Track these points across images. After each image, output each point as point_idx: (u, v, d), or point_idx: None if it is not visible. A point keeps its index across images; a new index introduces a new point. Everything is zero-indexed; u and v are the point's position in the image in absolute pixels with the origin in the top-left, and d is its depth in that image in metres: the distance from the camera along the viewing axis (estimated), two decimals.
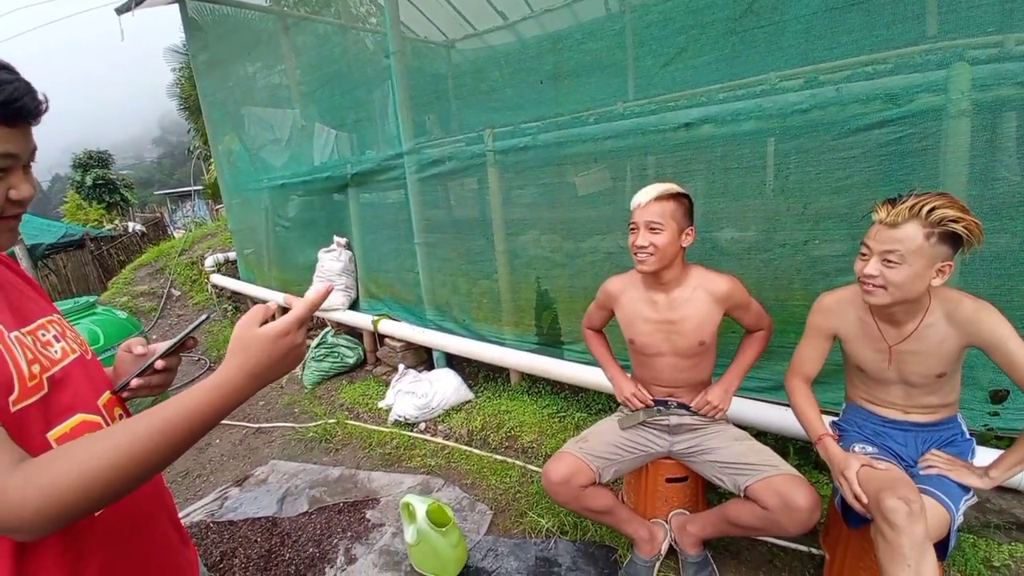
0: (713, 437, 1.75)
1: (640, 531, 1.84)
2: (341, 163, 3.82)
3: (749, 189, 2.22)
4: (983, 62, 1.70)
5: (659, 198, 1.62)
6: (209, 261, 6.58)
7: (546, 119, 2.69)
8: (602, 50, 2.51)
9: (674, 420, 1.82)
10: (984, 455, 1.51)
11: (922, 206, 1.21)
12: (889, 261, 1.26)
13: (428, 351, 3.60)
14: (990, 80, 1.69)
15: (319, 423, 3.21)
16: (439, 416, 3.06)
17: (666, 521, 1.90)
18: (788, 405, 2.14)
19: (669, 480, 1.91)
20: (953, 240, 1.22)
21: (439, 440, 2.86)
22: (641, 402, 1.82)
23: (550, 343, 2.92)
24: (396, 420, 3.08)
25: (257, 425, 3.36)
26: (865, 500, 1.29)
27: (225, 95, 5.25)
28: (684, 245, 1.68)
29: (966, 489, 1.33)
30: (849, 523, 1.47)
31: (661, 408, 1.83)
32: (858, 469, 1.34)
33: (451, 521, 1.95)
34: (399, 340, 3.63)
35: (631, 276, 1.84)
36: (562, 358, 2.83)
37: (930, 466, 1.38)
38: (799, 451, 2.20)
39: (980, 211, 1.70)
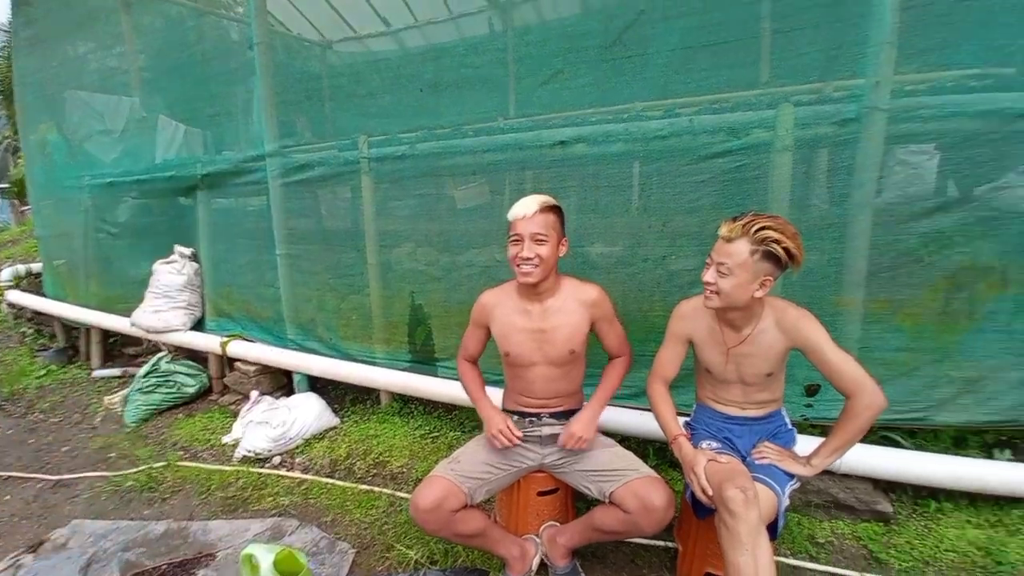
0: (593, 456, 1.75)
1: (512, 550, 1.79)
2: (190, 162, 3.38)
3: (617, 207, 2.34)
4: (805, 104, 1.98)
5: (542, 209, 1.64)
6: (6, 274, 5.41)
7: (425, 129, 2.63)
8: (484, 65, 2.53)
9: (546, 431, 1.80)
10: (804, 443, 1.70)
11: (752, 226, 1.37)
12: (721, 272, 1.43)
13: (288, 374, 3.26)
14: (810, 120, 1.96)
15: (141, 469, 2.68)
16: (297, 447, 2.76)
17: (537, 535, 1.87)
18: (648, 410, 2.29)
19: (540, 493, 1.89)
20: (775, 259, 1.38)
21: (295, 474, 2.56)
22: (508, 440, 1.72)
23: (424, 360, 2.79)
24: (244, 456, 2.70)
25: (57, 477, 2.70)
26: (711, 493, 1.41)
27: (46, 76, 4.42)
28: (560, 255, 1.71)
29: (790, 475, 1.49)
30: (698, 515, 1.60)
31: (534, 420, 1.81)
32: (705, 464, 1.46)
33: (304, 569, 1.72)
34: (253, 363, 3.24)
35: (505, 289, 1.83)
36: (436, 375, 2.73)
37: (763, 456, 1.53)
38: (657, 452, 2.32)
39: None
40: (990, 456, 1.90)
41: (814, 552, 1.81)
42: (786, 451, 1.55)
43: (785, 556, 1.81)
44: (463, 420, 2.73)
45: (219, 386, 3.54)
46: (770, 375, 1.54)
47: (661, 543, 1.92)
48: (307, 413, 2.83)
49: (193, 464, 2.72)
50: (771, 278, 1.41)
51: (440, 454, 2.49)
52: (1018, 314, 1.84)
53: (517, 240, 1.65)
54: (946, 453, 1.92)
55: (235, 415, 3.10)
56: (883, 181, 1.93)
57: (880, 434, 2.01)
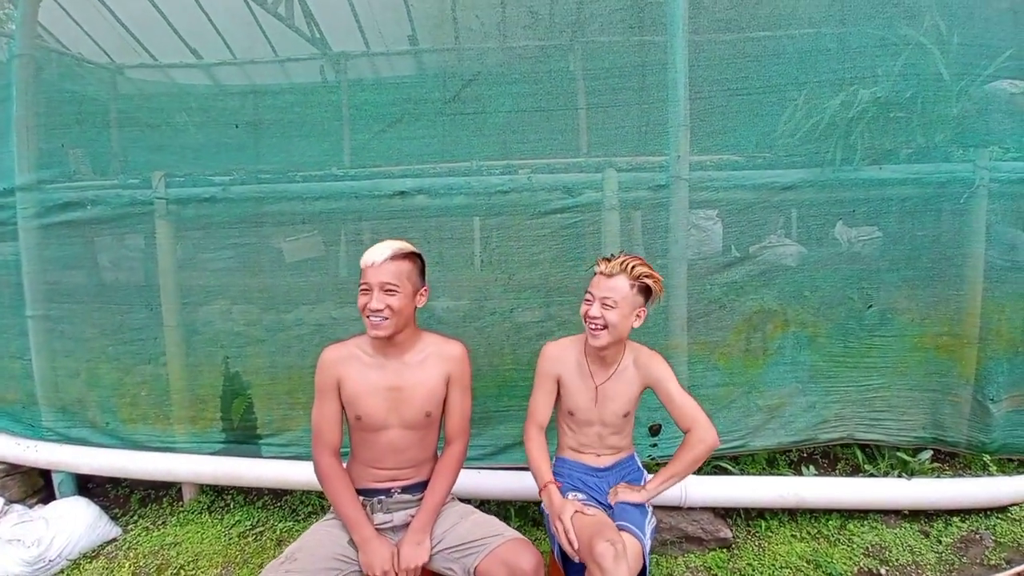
0: (438, 523, 1.57)
1: None
2: None
3: (461, 260, 2.31)
4: (626, 170, 2.20)
5: (395, 257, 1.50)
6: None
7: (243, 171, 2.32)
8: (314, 108, 2.36)
9: (399, 519, 1.57)
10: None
11: (628, 264, 1.54)
12: (607, 305, 1.53)
13: (46, 475, 2.47)
14: (631, 184, 2.19)
15: None
16: (63, 570, 2.06)
17: None
18: (507, 468, 2.22)
19: None
20: (646, 292, 1.56)
21: None
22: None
23: (243, 439, 2.34)
24: None
25: None
26: (576, 544, 1.41)
27: None
28: (418, 306, 1.58)
29: (643, 512, 1.54)
30: (567, 573, 1.54)
31: (383, 498, 1.57)
32: (572, 514, 1.46)
33: None
34: None
35: (354, 342, 1.62)
36: (259, 455, 2.30)
37: (615, 493, 1.57)
38: (519, 512, 2.23)
39: None
40: (799, 473, 2.20)
41: None
42: (622, 484, 1.61)
43: None
44: (295, 506, 2.32)
45: None
46: (626, 416, 1.63)
47: None
48: (73, 525, 2.15)
49: None
50: (644, 310, 1.57)
51: (268, 554, 2.05)
52: (798, 348, 2.22)
53: (366, 290, 1.49)
54: (763, 474, 2.18)
55: None
56: (690, 240, 2.22)
57: (712, 464, 2.21)
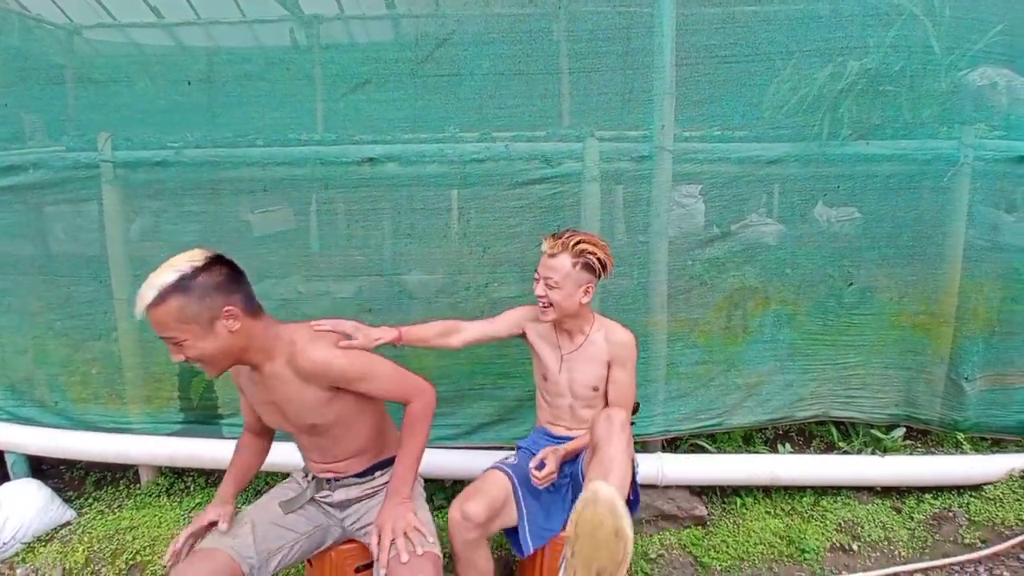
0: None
1: None
2: None
3: (435, 232, 2.21)
4: (608, 140, 2.10)
5: (154, 304, 1.16)
6: None
7: (198, 135, 2.15)
8: (278, 68, 2.19)
9: (339, 496, 1.49)
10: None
11: (570, 241, 1.52)
12: (549, 285, 1.53)
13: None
14: (613, 155, 2.09)
15: None
16: (18, 553, 1.97)
17: None
18: (483, 448, 2.17)
19: (359, 569, 1.55)
20: (592, 268, 1.54)
21: None
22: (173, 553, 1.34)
23: (203, 419, 2.23)
24: None
25: None
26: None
27: None
28: (231, 330, 1.23)
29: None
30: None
31: (331, 481, 1.49)
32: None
33: None
34: None
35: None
36: (221, 436, 2.19)
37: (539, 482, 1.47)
38: None
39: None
40: (775, 450, 2.20)
41: (648, 569, 1.85)
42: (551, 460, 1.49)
43: None
44: (260, 488, 2.23)
45: None
46: (596, 390, 1.62)
47: None
48: (24, 508, 2.05)
49: None
50: (592, 285, 1.57)
51: None
52: (778, 327, 2.18)
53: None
54: (739, 452, 2.17)
55: None
56: (671, 217, 2.14)
57: (689, 442, 2.19)
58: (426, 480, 2.19)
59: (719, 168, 2.15)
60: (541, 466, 1.46)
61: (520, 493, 1.51)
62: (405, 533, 1.28)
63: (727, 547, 1.90)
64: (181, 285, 1.16)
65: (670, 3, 2.00)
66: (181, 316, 1.16)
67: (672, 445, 2.22)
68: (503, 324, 1.71)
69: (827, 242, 2.21)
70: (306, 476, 1.53)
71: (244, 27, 3.23)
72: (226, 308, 1.21)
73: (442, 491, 2.20)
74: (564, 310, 1.55)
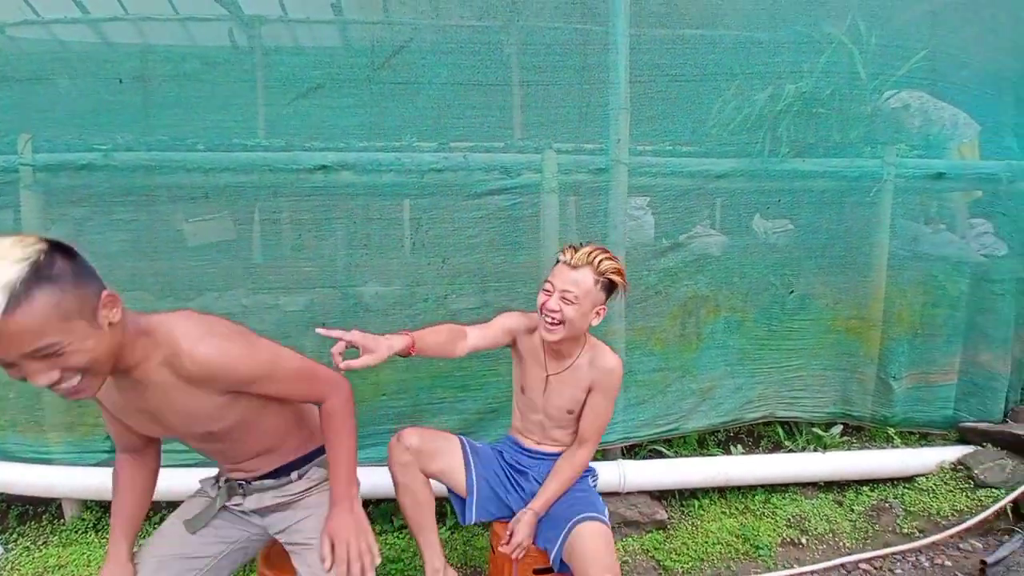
0: (308, 518, 1.30)
1: None
2: None
3: (391, 243, 2.16)
4: (566, 152, 2.13)
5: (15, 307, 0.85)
6: None
7: (129, 137, 1.99)
8: (216, 67, 2.07)
9: (250, 503, 1.31)
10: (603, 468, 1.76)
11: (596, 256, 1.42)
12: (567, 299, 1.41)
13: None
14: (571, 167, 2.12)
15: None
16: None
17: None
18: None
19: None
20: (609, 288, 1.46)
21: None
22: None
23: None
24: None
25: None
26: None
27: None
28: (113, 321, 0.95)
29: (590, 493, 1.58)
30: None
31: (243, 484, 1.31)
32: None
33: None
34: None
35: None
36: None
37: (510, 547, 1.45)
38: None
39: None
40: (728, 452, 2.28)
41: None
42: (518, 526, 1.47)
43: None
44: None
45: None
46: (570, 412, 1.56)
47: None
48: None
49: None
50: (604, 308, 1.47)
51: None
52: (728, 333, 2.28)
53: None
54: (695, 455, 2.24)
55: None
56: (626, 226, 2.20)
57: (648, 448, 2.23)
58: (383, 500, 2.12)
59: (671, 181, 2.23)
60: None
61: (472, 464, 1.53)
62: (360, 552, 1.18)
63: (687, 549, 1.95)
64: (43, 275, 0.86)
65: (623, 23, 2.06)
66: (59, 313, 0.87)
67: (631, 452, 2.26)
68: (498, 332, 1.56)
69: (770, 252, 2.35)
70: (216, 482, 1.35)
71: (178, 25, 3.03)
72: (105, 293, 0.94)
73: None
74: (575, 329, 1.43)
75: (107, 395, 1.12)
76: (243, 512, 1.32)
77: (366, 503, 2.08)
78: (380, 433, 2.12)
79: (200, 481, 1.40)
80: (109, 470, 1.96)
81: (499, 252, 2.17)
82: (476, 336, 1.53)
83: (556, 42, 2.17)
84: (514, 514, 1.52)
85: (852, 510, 2.12)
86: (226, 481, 1.32)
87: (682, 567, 1.89)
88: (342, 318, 2.09)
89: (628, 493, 2.05)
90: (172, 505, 2.16)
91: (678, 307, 2.25)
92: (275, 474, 1.31)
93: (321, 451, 1.36)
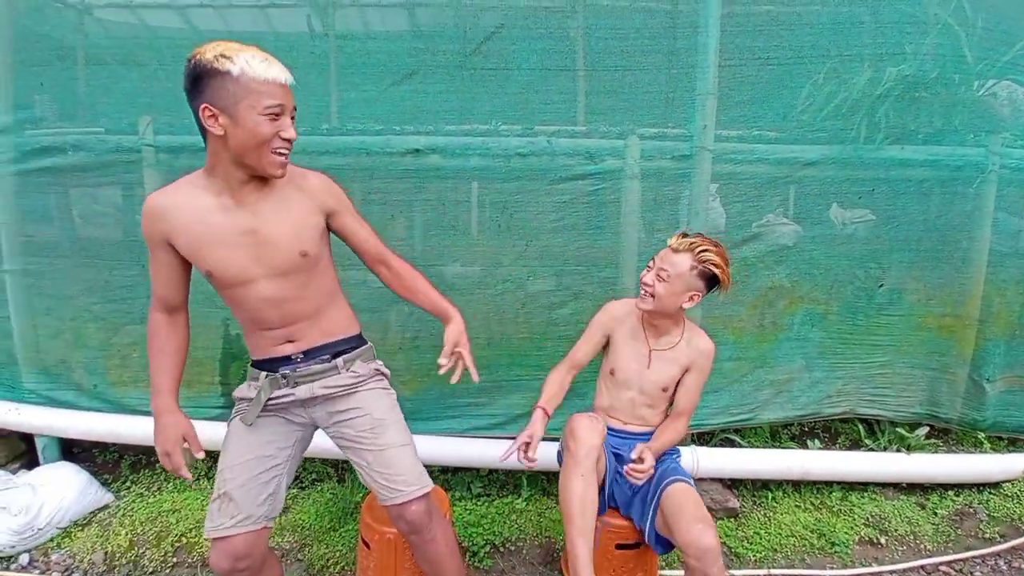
0: (362, 398, 1.39)
1: None
2: None
3: (475, 224, 2.23)
4: (649, 139, 2.13)
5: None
6: None
7: None
8: (297, 54, 2.18)
9: (301, 392, 1.35)
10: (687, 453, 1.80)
11: (697, 246, 1.51)
12: (660, 276, 1.53)
13: (28, 439, 2.33)
14: (654, 153, 2.12)
15: None
16: (53, 539, 1.97)
17: None
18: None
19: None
20: (708, 279, 1.54)
21: None
22: (177, 472, 1.34)
23: None
24: None
25: None
26: (534, 457, 1.52)
27: None
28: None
29: (679, 458, 1.71)
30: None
31: (287, 373, 1.34)
32: (537, 432, 1.54)
33: None
34: None
35: (186, 186, 1.28)
36: None
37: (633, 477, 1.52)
38: (530, 481, 2.23)
39: (644, 256, 2.08)
40: (804, 446, 2.26)
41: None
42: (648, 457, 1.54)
43: (663, 569, 1.86)
44: (299, 473, 2.26)
45: None
46: (665, 390, 1.64)
47: None
48: (63, 492, 2.04)
49: None
50: (700, 294, 1.55)
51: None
52: (808, 325, 2.24)
53: (276, 114, 1.16)
54: (767, 446, 2.24)
55: None
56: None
57: (721, 436, 2.25)
58: (461, 469, 2.25)
59: (755, 169, 2.19)
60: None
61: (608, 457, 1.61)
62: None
63: (760, 539, 1.96)
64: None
65: (716, 2, 2.02)
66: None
67: (701, 439, 2.28)
68: (595, 335, 1.71)
69: (856, 244, 2.27)
70: (255, 380, 1.38)
71: (259, 12, 3.18)
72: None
73: (479, 480, 2.24)
74: (664, 306, 1.54)
75: (202, 226, 1.23)
76: (292, 403, 1.36)
77: (444, 471, 2.24)
78: (459, 406, 2.23)
79: (237, 394, 1.43)
80: (222, 424, 2.17)
81: (580, 237, 2.20)
82: (581, 354, 1.70)
83: (645, 26, 2.14)
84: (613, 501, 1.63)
85: (935, 513, 2.07)
86: (266, 376, 1.35)
87: (754, 555, 1.91)
88: None
89: (700, 479, 2.07)
90: (137, 450, 2.37)
91: (757, 297, 2.23)
92: (315, 355, 1.36)
93: (361, 343, 1.46)
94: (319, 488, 2.22)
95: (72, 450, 2.40)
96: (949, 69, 2.18)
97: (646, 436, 1.66)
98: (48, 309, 2.27)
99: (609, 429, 1.66)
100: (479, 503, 2.13)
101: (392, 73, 2.15)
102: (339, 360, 1.38)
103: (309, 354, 1.36)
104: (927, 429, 2.28)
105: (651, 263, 1.59)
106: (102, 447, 2.41)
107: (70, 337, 2.28)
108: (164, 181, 2.14)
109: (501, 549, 1.96)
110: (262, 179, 1.25)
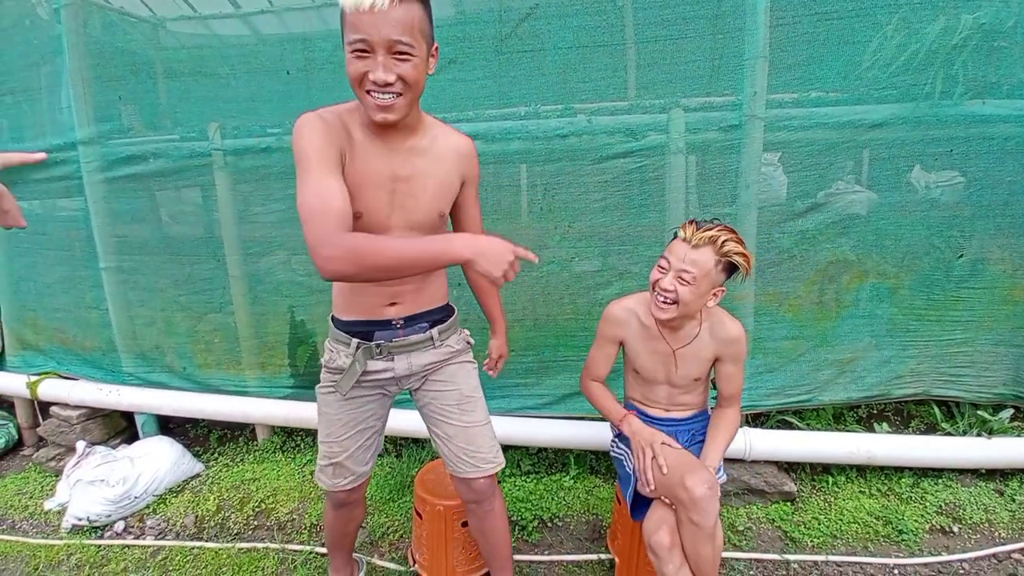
0: (453, 372, 1.41)
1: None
2: None
3: (519, 208, 2.25)
4: (694, 110, 2.05)
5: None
6: None
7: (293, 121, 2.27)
8: None
9: (400, 368, 1.35)
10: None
11: (719, 237, 1.35)
12: (683, 279, 1.37)
13: (128, 417, 2.65)
14: (700, 125, 2.04)
15: None
16: (149, 506, 2.24)
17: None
18: (567, 418, 2.24)
19: (465, 524, 1.68)
20: (730, 270, 1.40)
21: (147, 542, 2.06)
22: None
23: (309, 385, 2.41)
24: (75, 525, 2.12)
25: None
26: (666, 469, 1.39)
27: None
28: (430, 72, 1.15)
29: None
30: (633, 516, 1.53)
31: (383, 341, 1.32)
32: (661, 442, 1.45)
33: None
34: (77, 407, 2.58)
35: (345, 110, 1.22)
36: None
37: None
38: (577, 460, 2.27)
39: None
40: (871, 430, 2.14)
41: (736, 540, 1.88)
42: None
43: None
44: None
45: (32, 438, 2.79)
46: (697, 380, 1.57)
47: (595, 556, 1.86)
48: (158, 462, 2.30)
49: (10, 538, 2.09)
50: (722, 289, 1.42)
51: None
52: (875, 301, 2.09)
53: (364, 52, 1.05)
54: (829, 430, 2.13)
55: (58, 473, 2.44)
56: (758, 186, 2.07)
57: (777, 418, 2.17)
58: (510, 447, 2.32)
59: (814, 135, 2.05)
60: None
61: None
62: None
63: (818, 524, 1.89)
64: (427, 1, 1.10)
65: None
66: (422, 27, 1.08)
67: (756, 420, 2.21)
68: (607, 348, 1.62)
69: (933, 210, 2.08)
70: (345, 346, 1.34)
71: (314, 13, 3.32)
72: (435, 46, 1.15)
73: (528, 458, 2.30)
74: (689, 311, 1.40)
75: (373, 162, 1.19)
76: (390, 380, 1.37)
77: None
78: (508, 387, 2.29)
79: (328, 364, 1.39)
80: (293, 403, 2.34)
81: (624, 215, 2.17)
82: (599, 367, 1.64)
83: None
84: None
85: (1013, 500, 1.91)
86: (358, 347, 1.32)
87: (812, 541, 1.84)
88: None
89: (753, 461, 2.02)
90: (223, 425, 2.62)
91: (816, 272, 2.10)
92: (414, 322, 1.34)
93: (451, 312, 1.45)
94: (379, 462, 2.36)
95: (168, 426, 2.70)
96: None
97: (692, 419, 1.63)
98: (142, 301, 2.54)
99: (650, 418, 1.60)
100: (528, 480, 2.20)
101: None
102: (434, 331, 1.37)
103: (409, 321, 1.34)
104: (1012, 411, 2.08)
105: (663, 264, 1.41)
106: (194, 423, 2.69)
107: (162, 325, 2.55)
108: (232, 183, 2.35)
109: (549, 524, 2.01)
110: (412, 128, 1.21)
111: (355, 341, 1.31)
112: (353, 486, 1.44)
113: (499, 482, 2.08)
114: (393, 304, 1.31)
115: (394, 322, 1.32)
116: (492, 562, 1.56)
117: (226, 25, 3.22)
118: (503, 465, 1.45)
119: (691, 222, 1.40)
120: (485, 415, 1.46)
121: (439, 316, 1.41)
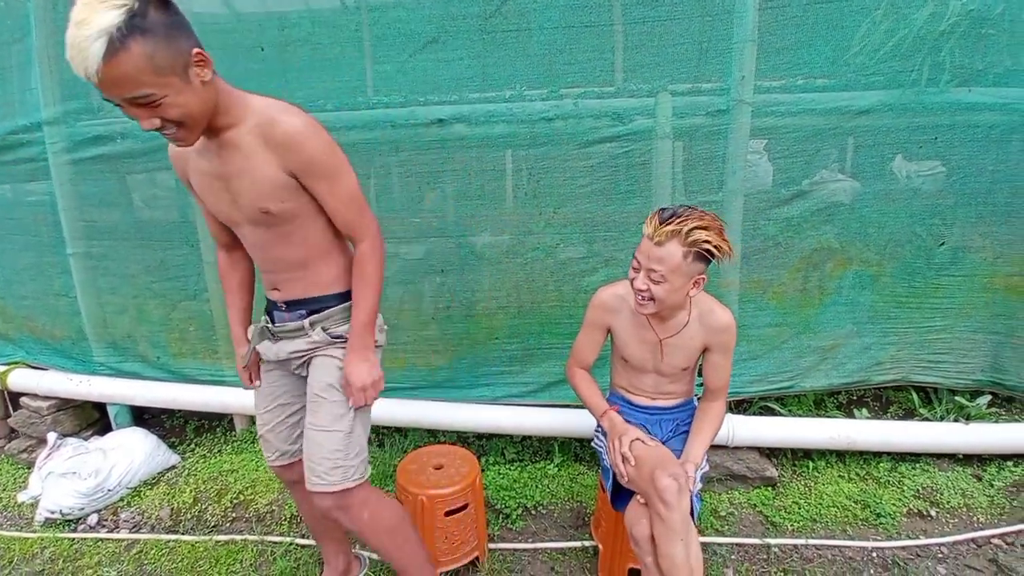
0: (317, 367, 1.33)
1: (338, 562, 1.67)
2: None
3: (503, 193, 2.21)
4: (682, 95, 2.02)
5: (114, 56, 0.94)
6: None
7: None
8: (335, 30, 2.18)
9: (282, 351, 1.34)
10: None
11: (683, 228, 1.28)
12: (653, 279, 1.33)
13: (100, 408, 2.58)
14: (687, 110, 2.01)
15: None
16: (123, 499, 2.18)
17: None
18: (551, 406, 2.23)
19: (449, 513, 1.66)
20: (707, 257, 1.33)
21: (122, 536, 2.01)
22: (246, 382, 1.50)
23: None
24: (48, 518, 2.06)
25: None
26: (633, 462, 1.39)
27: None
28: (205, 80, 1.05)
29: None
30: (615, 506, 1.53)
31: (269, 327, 1.36)
32: (633, 439, 1.43)
33: None
34: (47, 397, 2.49)
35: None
36: None
37: None
38: (562, 447, 2.26)
39: None
40: (851, 416, 2.16)
41: (719, 526, 1.89)
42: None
43: None
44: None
45: (3, 429, 2.71)
46: (685, 369, 1.55)
47: (578, 544, 1.85)
48: (132, 454, 2.24)
49: None
50: (704, 276, 1.38)
51: None
52: (857, 289, 2.11)
53: (121, 107, 1.02)
54: (810, 416, 2.15)
55: (30, 465, 2.37)
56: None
57: (759, 405, 2.18)
58: (495, 435, 2.30)
59: (801, 121, 2.04)
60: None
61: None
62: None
63: (799, 508, 1.91)
64: (136, 25, 0.91)
65: None
66: (153, 64, 0.94)
67: (739, 407, 2.22)
68: (595, 333, 1.59)
69: (916, 199, 2.09)
70: (259, 322, 1.41)
71: None
72: (196, 51, 1.01)
73: (512, 446, 2.29)
74: (668, 305, 1.38)
75: (196, 166, 1.20)
76: (275, 362, 1.39)
77: (479, 437, 2.30)
78: (491, 375, 2.27)
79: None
80: None
81: (610, 201, 2.14)
82: (587, 353, 1.61)
83: None
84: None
85: (991, 485, 1.95)
86: (261, 324, 1.37)
87: (792, 525, 1.87)
88: (458, 267, 2.22)
89: (736, 448, 2.03)
90: (200, 415, 2.55)
91: (800, 260, 2.10)
92: (294, 308, 1.30)
93: (341, 301, 1.33)
94: None
95: (143, 417, 2.63)
96: (1016, 3, 1.93)
97: (677, 408, 1.62)
98: (112, 288, 2.45)
99: (635, 406, 1.60)
100: (512, 468, 2.19)
101: (414, 43, 2.12)
102: (307, 320, 1.30)
103: (291, 306, 1.31)
104: (989, 398, 2.12)
105: (635, 262, 1.38)
106: (169, 413, 2.63)
107: (134, 313, 2.47)
108: None
109: (533, 512, 2.01)
110: (214, 128, 1.13)
111: (262, 320, 1.39)
112: (282, 463, 1.47)
113: (483, 471, 2.06)
114: (275, 289, 1.33)
115: (278, 305, 1.34)
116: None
117: (201, 3, 3.09)
118: (336, 488, 1.26)
119: (655, 214, 1.33)
120: (333, 420, 1.28)
121: (322, 305, 1.32)
